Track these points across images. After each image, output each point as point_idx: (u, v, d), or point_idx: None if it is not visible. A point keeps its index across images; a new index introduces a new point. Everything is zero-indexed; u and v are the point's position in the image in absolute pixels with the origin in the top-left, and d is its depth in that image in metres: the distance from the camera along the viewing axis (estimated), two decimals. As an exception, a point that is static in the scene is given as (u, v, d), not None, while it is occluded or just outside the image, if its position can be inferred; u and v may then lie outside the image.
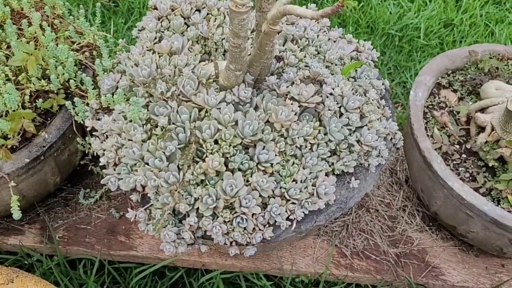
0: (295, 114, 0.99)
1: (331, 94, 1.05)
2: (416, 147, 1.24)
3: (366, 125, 1.06)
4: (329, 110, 1.02)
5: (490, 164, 1.20)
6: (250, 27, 1.15)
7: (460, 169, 1.23)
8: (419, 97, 1.32)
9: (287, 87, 1.02)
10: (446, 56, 1.43)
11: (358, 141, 1.04)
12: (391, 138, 1.12)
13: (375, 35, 2.18)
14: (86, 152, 1.29)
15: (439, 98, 1.37)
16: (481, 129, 1.26)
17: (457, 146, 1.28)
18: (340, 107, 1.05)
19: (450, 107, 1.35)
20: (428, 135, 1.28)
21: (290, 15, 0.82)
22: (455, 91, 1.39)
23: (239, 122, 0.96)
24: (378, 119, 1.09)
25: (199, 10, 1.28)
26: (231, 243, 0.96)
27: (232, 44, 0.92)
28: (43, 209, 1.42)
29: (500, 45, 1.49)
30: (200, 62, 1.15)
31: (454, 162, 1.24)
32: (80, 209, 1.44)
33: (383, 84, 1.20)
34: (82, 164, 1.42)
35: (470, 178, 1.21)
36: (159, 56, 1.13)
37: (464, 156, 1.26)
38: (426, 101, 1.36)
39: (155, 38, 1.20)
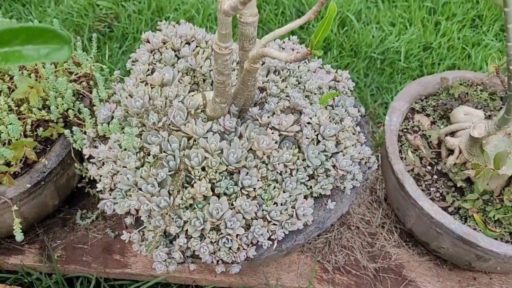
0: (275, 142, 1.08)
1: (309, 123, 1.14)
2: (391, 168, 1.33)
3: (341, 151, 1.16)
4: (306, 138, 1.11)
5: (459, 185, 1.30)
6: (232, 65, 1.25)
7: (432, 189, 1.33)
8: (394, 122, 1.42)
9: (268, 117, 1.12)
10: (419, 83, 1.54)
11: (334, 166, 1.13)
12: (366, 162, 1.22)
13: (358, 58, 2.29)
14: (83, 175, 1.38)
15: (413, 122, 1.47)
16: (451, 152, 1.36)
17: (429, 168, 1.37)
18: (317, 135, 1.14)
19: (423, 130, 1.45)
20: (402, 157, 1.37)
21: (266, 57, 0.92)
22: (428, 115, 1.49)
23: (224, 151, 1.05)
24: (353, 145, 1.19)
25: (188, 43, 1.38)
26: (217, 261, 1.05)
27: (217, 80, 1.02)
28: (42, 230, 1.50)
29: (470, 72, 1.60)
30: (189, 92, 1.24)
31: (426, 182, 1.34)
32: (78, 229, 1.52)
33: (359, 111, 1.31)
34: (80, 187, 1.51)
35: (440, 197, 1.31)
36: (151, 88, 1.23)
37: (435, 177, 1.35)
38: (401, 125, 1.46)
39: (148, 70, 1.30)
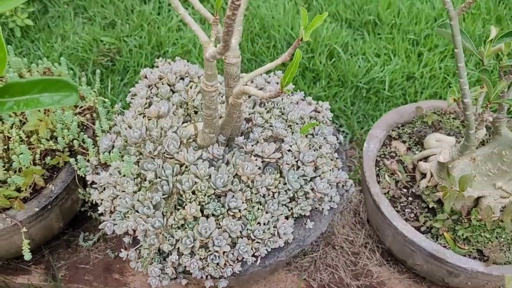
0: (258, 168, 1.21)
1: (289, 150, 1.27)
2: (368, 191, 1.45)
3: (319, 175, 1.28)
4: (287, 164, 1.24)
5: (431, 206, 1.41)
6: (218, 101, 1.39)
7: (406, 210, 1.44)
8: (371, 148, 1.54)
9: (252, 145, 1.24)
10: (396, 112, 1.67)
11: (312, 189, 1.25)
12: (343, 185, 1.34)
13: (346, 88, 2.43)
14: (86, 200, 1.50)
15: (390, 148, 1.60)
16: (423, 175, 1.48)
17: (405, 190, 1.49)
18: (297, 161, 1.27)
19: (399, 156, 1.57)
20: (379, 181, 1.49)
21: (247, 94, 1.05)
22: (404, 142, 1.62)
23: (212, 176, 1.17)
24: (330, 170, 1.31)
25: (182, 78, 1.52)
26: (206, 276, 1.16)
27: (205, 113, 1.15)
28: (47, 251, 1.61)
29: (443, 101, 1.73)
30: (183, 123, 1.37)
31: (401, 204, 1.46)
32: (80, 250, 1.63)
33: (337, 139, 1.43)
34: (83, 211, 1.63)
35: (414, 218, 1.42)
36: (148, 119, 1.36)
37: (410, 199, 1.47)
38: (379, 151, 1.58)
39: (145, 104, 1.43)
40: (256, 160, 1.22)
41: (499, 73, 1.32)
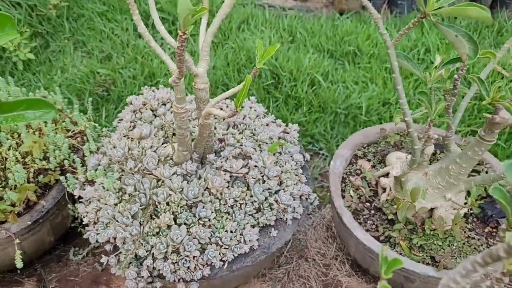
0: (227, 182, 1.35)
1: (256, 166, 1.41)
2: (333, 205, 1.58)
3: (283, 189, 1.41)
4: (253, 178, 1.38)
5: (390, 217, 1.54)
6: (190, 121, 1.54)
7: (368, 222, 1.57)
8: (337, 166, 1.68)
9: (221, 162, 1.39)
10: (362, 133, 1.82)
11: (276, 201, 1.39)
12: (306, 198, 1.47)
13: (326, 113, 2.59)
14: (76, 216, 1.63)
15: (356, 166, 1.74)
16: (384, 190, 1.61)
17: (368, 204, 1.62)
18: (263, 176, 1.41)
19: (363, 173, 1.70)
20: (343, 196, 1.62)
21: (212, 114, 1.20)
22: (369, 160, 1.76)
23: (185, 189, 1.31)
24: (294, 184, 1.45)
25: (165, 104, 1.68)
26: (178, 279, 1.28)
27: (178, 133, 1.30)
28: (40, 265, 1.74)
29: (432, 130, 1.87)
30: (162, 144, 1.52)
31: (364, 216, 1.58)
32: (70, 264, 1.75)
33: (304, 157, 1.58)
34: (73, 227, 1.76)
35: (375, 228, 1.54)
36: (131, 141, 1.51)
37: (372, 211, 1.60)
38: (346, 169, 1.72)
39: (130, 127, 1.59)
40: (224, 174, 1.36)
41: (443, 95, 1.47)
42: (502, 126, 1.29)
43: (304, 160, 1.57)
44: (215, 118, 1.62)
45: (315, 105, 2.62)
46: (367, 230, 1.52)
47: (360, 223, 1.54)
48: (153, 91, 1.73)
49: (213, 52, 2.98)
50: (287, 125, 1.67)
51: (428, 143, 1.45)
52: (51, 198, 1.54)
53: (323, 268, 1.74)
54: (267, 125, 1.64)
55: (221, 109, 1.66)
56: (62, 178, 1.52)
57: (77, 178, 1.53)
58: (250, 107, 1.70)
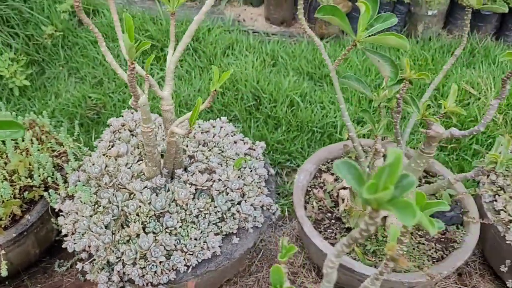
0: (192, 194, 1.48)
1: (219, 179, 1.55)
2: (295, 215, 1.71)
3: (245, 200, 1.55)
4: (216, 190, 1.51)
5: (347, 226, 1.66)
6: (156, 140, 1.68)
7: (328, 230, 1.69)
8: (301, 179, 1.81)
9: (187, 176, 1.53)
10: (327, 149, 1.96)
11: (238, 211, 1.52)
12: (268, 209, 1.60)
13: (303, 132, 2.73)
14: (60, 230, 1.76)
15: (320, 179, 1.87)
16: (343, 201, 1.74)
17: (329, 214, 1.75)
18: (226, 188, 1.54)
19: (326, 186, 1.83)
20: (306, 207, 1.75)
21: (175, 133, 1.35)
22: (332, 174, 1.89)
23: (153, 201, 1.45)
24: (256, 196, 1.58)
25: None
26: (147, 284, 1.41)
27: (146, 150, 1.45)
28: (26, 277, 1.86)
29: (367, 139, 2.01)
30: (138, 161, 1.67)
31: (324, 225, 1.71)
32: (55, 276, 1.87)
33: (268, 172, 1.71)
34: (58, 240, 1.89)
35: (333, 236, 1.67)
36: (109, 158, 1.66)
37: (332, 221, 1.72)
38: (310, 182, 1.85)
39: (109, 146, 1.73)
40: (190, 187, 1.50)
41: (390, 112, 1.62)
42: (438, 139, 1.43)
43: (268, 174, 1.71)
44: (187, 137, 1.76)
45: (293, 125, 2.77)
46: (326, 238, 1.65)
47: (320, 232, 1.67)
48: (132, 113, 1.88)
49: (198, 76, 3.15)
50: (254, 143, 1.81)
51: (377, 157, 1.58)
52: (36, 213, 1.68)
53: (291, 276, 1.86)
54: (235, 142, 1.78)
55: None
56: (45, 194, 1.66)
57: (59, 194, 1.67)
58: (221, 127, 1.84)
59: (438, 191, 1.74)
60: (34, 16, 3.38)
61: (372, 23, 1.21)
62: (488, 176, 1.78)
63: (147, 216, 1.44)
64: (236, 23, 3.76)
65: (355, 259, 1.57)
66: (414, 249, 1.59)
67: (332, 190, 1.78)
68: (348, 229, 1.67)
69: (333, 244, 1.62)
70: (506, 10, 1.41)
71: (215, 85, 1.31)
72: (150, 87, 1.35)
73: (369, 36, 1.21)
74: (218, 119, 1.89)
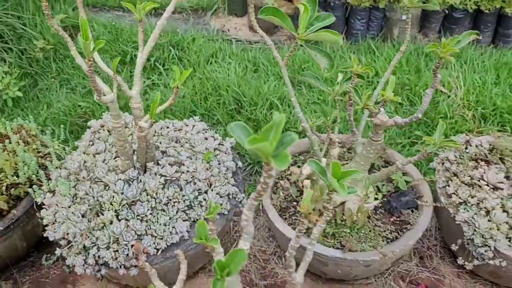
0: (161, 184, 1.62)
1: (188, 171, 1.68)
2: (262, 204, 1.84)
3: (212, 189, 1.68)
4: (184, 180, 1.65)
5: (309, 212, 1.78)
6: (127, 135, 1.82)
7: (293, 217, 1.82)
8: (269, 172, 1.94)
9: (158, 168, 1.66)
10: (295, 145, 2.08)
11: (205, 199, 1.65)
12: (234, 197, 1.73)
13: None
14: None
15: (287, 172, 2.00)
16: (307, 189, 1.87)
17: (294, 203, 1.87)
18: (194, 179, 1.68)
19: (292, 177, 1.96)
20: (272, 198, 1.88)
21: (141, 127, 1.48)
22: (299, 166, 2.02)
23: (125, 191, 1.58)
24: (223, 185, 1.71)
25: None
26: (120, 266, 1.53)
27: (118, 145, 1.59)
28: (16, 270, 1.99)
29: (336, 134, 2.14)
30: (115, 158, 1.80)
31: (289, 213, 1.83)
32: (42, 268, 2.00)
33: (236, 164, 1.85)
34: (45, 237, 2.02)
35: (298, 223, 1.79)
36: (87, 155, 1.80)
37: (298, 208, 1.85)
38: (278, 175, 1.98)
39: (88, 145, 1.87)
40: (160, 178, 1.63)
41: (346, 105, 1.75)
42: (383, 127, 1.56)
43: (236, 166, 1.84)
44: (162, 135, 1.90)
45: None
46: (289, 224, 1.77)
47: (285, 219, 1.80)
48: (110, 115, 2.02)
49: (183, 83, 3.29)
50: (224, 139, 1.95)
51: (332, 146, 1.71)
52: (22, 208, 1.82)
53: (263, 263, 1.98)
54: (206, 139, 1.92)
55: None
56: (30, 190, 1.79)
57: (42, 190, 1.80)
58: (193, 125, 1.98)
59: (395, 178, 1.87)
60: (27, 31, 3.55)
61: (312, 22, 1.36)
62: (443, 163, 1.91)
63: (120, 205, 1.57)
64: (220, 32, 3.92)
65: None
66: (370, 231, 1.71)
67: (297, 180, 1.91)
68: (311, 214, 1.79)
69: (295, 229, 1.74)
70: (437, 7, 1.55)
71: (175, 83, 1.45)
72: (119, 86, 1.49)
73: (310, 33, 1.35)
74: (191, 118, 2.03)
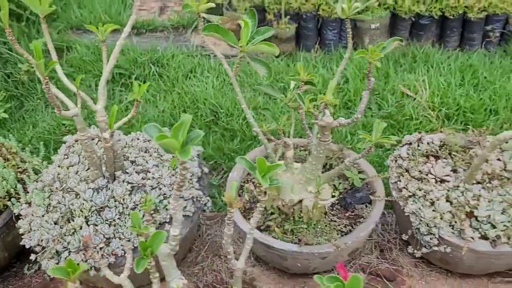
0: (128, 191, 1.74)
1: (153, 177, 1.81)
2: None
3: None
4: (150, 186, 1.77)
5: (270, 211, 1.91)
6: (94, 148, 1.95)
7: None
8: (234, 176, 2.07)
9: (125, 176, 1.79)
10: (260, 149, 2.22)
11: (169, 203, 1.77)
12: (198, 200, 1.86)
13: (256, 141, 3.00)
14: (26, 235, 2.02)
15: (252, 176, 2.12)
16: (269, 191, 1.99)
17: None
18: (159, 184, 1.80)
19: (257, 180, 2.09)
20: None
21: (107, 146, 1.62)
22: (263, 170, 2.14)
23: (94, 198, 1.71)
24: (187, 189, 1.84)
25: (92, 139, 2.10)
26: (90, 268, 1.65)
27: (86, 156, 1.72)
28: None
29: (297, 139, 2.28)
30: (88, 169, 1.93)
31: (253, 213, 1.95)
32: (25, 278, 2.12)
33: (202, 170, 1.98)
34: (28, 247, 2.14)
35: (262, 222, 1.91)
36: (61, 168, 1.92)
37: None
38: (243, 178, 2.11)
39: (63, 158, 2.00)
40: (127, 185, 1.76)
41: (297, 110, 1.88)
42: (328, 128, 1.69)
43: (202, 172, 1.97)
44: (132, 146, 2.03)
45: (247, 135, 3.04)
46: (252, 223, 1.89)
47: (249, 219, 1.91)
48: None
49: (162, 99, 3.44)
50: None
51: (287, 149, 1.84)
52: (2, 220, 1.94)
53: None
54: (173, 148, 2.05)
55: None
56: (9, 203, 1.92)
57: (20, 202, 1.93)
58: (162, 136, 2.11)
59: (350, 176, 1.99)
60: (13, 56, 3.71)
61: (253, 36, 1.50)
62: (396, 161, 2.04)
63: (89, 211, 1.70)
64: (199, 48, 4.08)
65: (274, 237, 1.81)
66: (326, 226, 1.84)
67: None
68: (272, 213, 1.92)
69: (258, 228, 1.86)
70: (369, 18, 1.69)
71: (135, 95, 1.59)
72: (83, 102, 1.63)
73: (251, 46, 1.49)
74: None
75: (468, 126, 2.90)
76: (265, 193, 1.42)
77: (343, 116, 3.05)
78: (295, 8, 3.78)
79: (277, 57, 3.88)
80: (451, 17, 3.72)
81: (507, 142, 1.91)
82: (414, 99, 3.14)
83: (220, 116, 3.22)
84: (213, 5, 1.57)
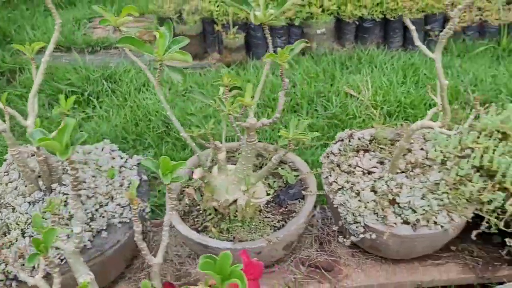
0: (64, 201, 1.80)
1: (89, 187, 1.87)
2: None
3: (113, 201, 1.86)
4: (85, 195, 1.83)
5: (208, 213, 1.98)
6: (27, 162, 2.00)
7: (196, 219, 2.00)
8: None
9: (61, 188, 1.84)
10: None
11: (105, 211, 1.83)
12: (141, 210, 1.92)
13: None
14: None
15: (193, 180, 2.19)
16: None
17: (198, 207, 2.07)
18: (95, 193, 1.86)
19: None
20: (179, 204, 2.07)
21: (37, 152, 1.67)
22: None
23: (29, 211, 1.76)
24: (122, 197, 1.90)
25: (33, 155, 2.14)
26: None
27: (20, 170, 1.76)
28: None
29: (231, 143, 2.36)
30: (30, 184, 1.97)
31: (193, 216, 2.02)
32: None
33: (141, 178, 2.04)
34: None
35: (201, 223, 1.98)
36: (1, 185, 1.96)
37: (201, 211, 2.04)
38: (186, 182, 2.18)
39: (3, 175, 2.04)
40: (62, 196, 1.81)
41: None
42: (252, 129, 1.78)
43: (141, 180, 2.03)
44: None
45: (197, 144, 3.11)
46: (191, 225, 1.96)
47: (188, 221, 1.98)
48: (26, 146, 2.21)
49: (116, 113, 3.49)
50: (131, 157, 2.14)
51: (219, 151, 1.92)
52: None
53: (178, 266, 2.15)
54: (113, 158, 2.11)
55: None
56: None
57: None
58: (103, 148, 2.17)
59: (284, 174, 2.09)
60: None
61: (170, 46, 1.58)
62: (328, 157, 2.14)
63: (25, 224, 1.74)
64: (151, 62, 4.15)
65: (210, 237, 1.88)
66: (260, 222, 1.92)
67: (200, 187, 2.11)
68: (209, 214, 1.99)
69: (195, 229, 1.93)
70: (282, 23, 1.80)
71: (60, 110, 1.65)
72: (11, 117, 1.68)
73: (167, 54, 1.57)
74: (102, 141, 2.23)
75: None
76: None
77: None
78: (243, 18, 3.90)
79: (228, 66, 3.99)
80: (392, 19, 3.89)
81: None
82: (358, 98, 3.27)
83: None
84: (131, 19, 1.66)
